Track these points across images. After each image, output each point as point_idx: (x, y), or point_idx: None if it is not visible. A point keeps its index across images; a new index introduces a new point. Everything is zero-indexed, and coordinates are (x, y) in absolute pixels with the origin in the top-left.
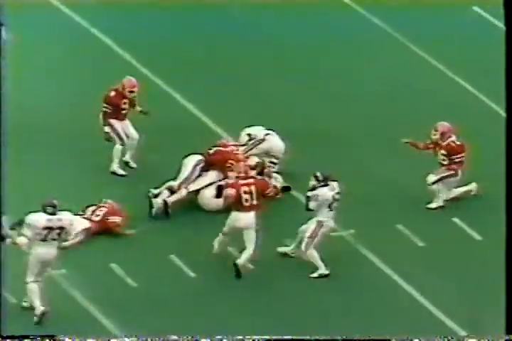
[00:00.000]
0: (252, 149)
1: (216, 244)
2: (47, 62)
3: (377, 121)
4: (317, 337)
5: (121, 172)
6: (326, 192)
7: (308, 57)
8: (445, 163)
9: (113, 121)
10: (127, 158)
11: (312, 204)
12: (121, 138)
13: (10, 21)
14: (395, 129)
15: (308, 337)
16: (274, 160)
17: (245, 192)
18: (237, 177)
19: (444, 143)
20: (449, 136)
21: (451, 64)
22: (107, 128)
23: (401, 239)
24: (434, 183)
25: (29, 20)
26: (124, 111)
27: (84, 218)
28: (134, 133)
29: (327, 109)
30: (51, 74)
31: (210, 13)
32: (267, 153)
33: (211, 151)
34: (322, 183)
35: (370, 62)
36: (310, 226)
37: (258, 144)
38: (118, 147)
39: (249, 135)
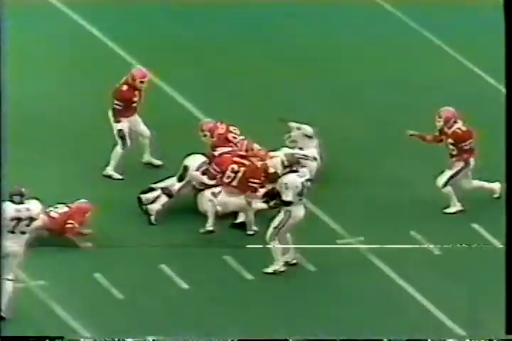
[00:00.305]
0: (300, 159)
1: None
2: (47, 62)
3: (388, 120)
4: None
5: (117, 176)
6: (295, 179)
7: (312, 56)
8: (454, 152)
9: (122, 120)
10: (147, 158)
11: (287, 195)
12: (124, 142)
13: (10, 21)
14: (409, 128)
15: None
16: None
17: (232, 170)
18: (235, 151)
19: (450, 131)
20: (455, 122)
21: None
22: (119, 126)
23: (415, 247)
24: (445, 185)
25: (29, 20)
26: (134, 105)
27: (45, 212)
28: (145, 130)
29: (332, 107)
30: (51, 74)
31: (217, 12)
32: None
33: (217, 153)
34: (288, 169)
35: (376, 51)
36: (278, 216)
37: (308, 160)
38: (118, 150)
39: (307, 136)
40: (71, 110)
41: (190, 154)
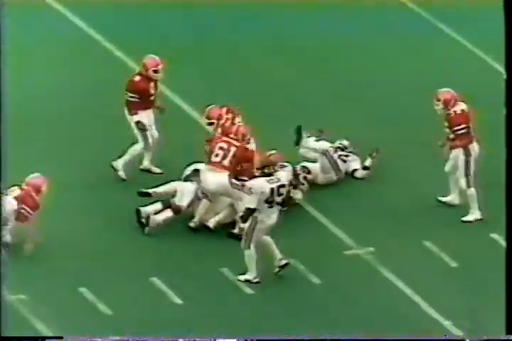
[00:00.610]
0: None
1: (200, 209)
2: (47, 63)
3: (396, 120)
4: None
5: (123, 176)
6: (262, 184)
7: (316, 56)
8: (451, 137)
9: (141, 113)
10: (146, 164)
11: (251, 201)
12: (145, 138)
13: (10, 21)
14: (425, 130)
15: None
16: (306, 179)
17: (221, 148)
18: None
19: (447, 113)
20: (455, 104)
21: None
22: (136, 117)
23: (429, 259)
24: (469, 187)
25: (29, 20)
26: (151, 98)
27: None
28: (154, 131)
29: (337, 108)
30: (51, 74)
31: (221, 11)
32: (309, 173)
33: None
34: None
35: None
36: (246, 223)
37: (309, 172)
38: (138, 148)
39: (342, 149)
40: (71, 110)
41: (190, 164)
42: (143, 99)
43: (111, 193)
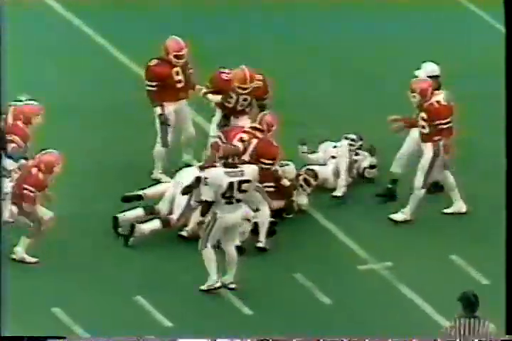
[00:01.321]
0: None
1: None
2: (46, 63)
3: None
4: None
5: (166, 179)
6: (219, 175)
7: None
8: (426, 131)
9: (166, 106)
10: (156, 174)
11: (205, 193)
12: (165, 136)
13: (10, 21)
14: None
15: None
16: (312, 182)
17: (240, 139)
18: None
19: (426, 104)
20: (433, 94)
21: None
22: (158, 109)
23: (457, 275)
24: (422, 187)
25: (29, 20)
26: (178, 85)
27: None
28: (189, 126)
29: (349, 108)
30: (50, 74)
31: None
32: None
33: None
34: (221, 162)
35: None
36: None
37: (315, 176)
38: (160, 149)
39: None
40: (70, 109)
41: (181, 168)
42: (165, 88)
43: (92, 201)
